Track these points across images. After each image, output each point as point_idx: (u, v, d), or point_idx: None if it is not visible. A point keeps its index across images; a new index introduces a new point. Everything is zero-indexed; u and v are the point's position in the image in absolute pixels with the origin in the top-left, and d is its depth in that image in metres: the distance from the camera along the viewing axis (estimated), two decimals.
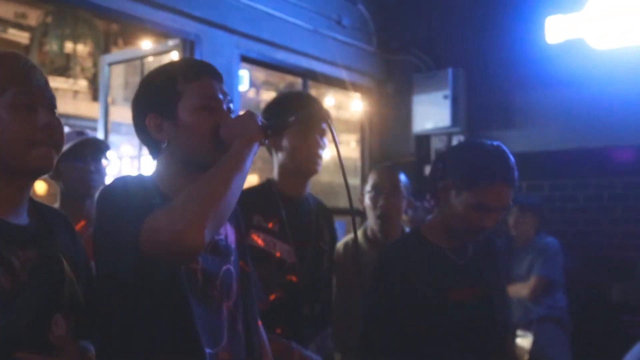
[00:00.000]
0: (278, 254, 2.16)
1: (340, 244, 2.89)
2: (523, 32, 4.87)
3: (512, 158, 1.91)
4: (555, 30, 4.73)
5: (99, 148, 2.60)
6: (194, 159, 1.46)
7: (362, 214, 5.85)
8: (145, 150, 4.61)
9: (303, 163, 2.22)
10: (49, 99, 1.34)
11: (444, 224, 1.96)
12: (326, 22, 5.02)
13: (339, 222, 5.50)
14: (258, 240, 2.15)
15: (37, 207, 1.43)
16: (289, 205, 2.22)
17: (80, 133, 2.60)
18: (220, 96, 1.49)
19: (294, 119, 1.53)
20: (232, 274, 1.55)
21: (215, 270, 1.49)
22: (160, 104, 1.47)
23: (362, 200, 2.96)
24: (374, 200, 2.83)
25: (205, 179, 1.31)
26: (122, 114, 5.57)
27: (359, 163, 5.93)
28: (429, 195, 1.99)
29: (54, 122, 1.32)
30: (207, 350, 1.40)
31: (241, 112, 1.48)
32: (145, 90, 1.52)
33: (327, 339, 2.30)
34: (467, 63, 5.18)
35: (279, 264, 2.16)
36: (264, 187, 2.31)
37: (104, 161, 2.60)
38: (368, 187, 2.89)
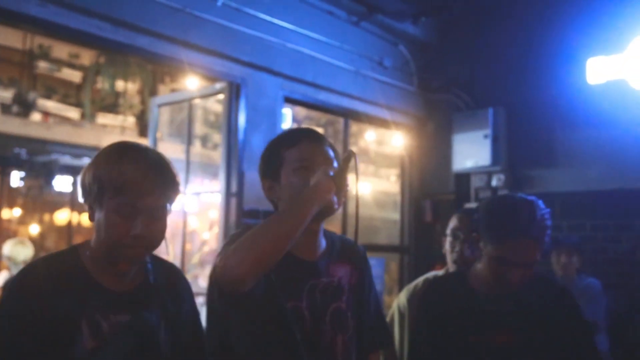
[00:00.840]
0: None
1: (420, 279, 2.94)
2: (564, 73, 4.90)
3: (540, 212, 1.93)
4: (597, 71, 4.74)
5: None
6: None
7: (404, 250, 5.85)
8: (191, 186, 4.73)
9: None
10: (149, 210, 1.46)
11: (482, 271, 2.01)
12: (368, 63, 5.14)
13: (378, 259, 5.53)
14: None
15: (155, 266, 1.60)
16: None
17: None
18: (320, 156, 1.68)
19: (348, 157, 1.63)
20: (344, 310, 1.73)
21: (322, 307, 1.68)
22: (268, 170, 1.72)
23: (442, 242, 2.97)
24: (452, 244, 2.86)
25: (260, 228, 1.51)
26: (167, 149, 5.76)
27: (398, 198, 5.97)
28: (467, 244, 2.04)
29: (145, 233, 1.45)
30: None
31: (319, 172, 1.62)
32: (261, 160, 1.77)
33: None
34: (508, 102, 5.21)
35: None
36: None
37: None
38: (448, 231, 2.92)
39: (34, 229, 8.83)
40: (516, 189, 5.23)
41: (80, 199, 1.50)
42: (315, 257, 1.72)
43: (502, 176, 5.22)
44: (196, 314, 1.66)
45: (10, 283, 1.47)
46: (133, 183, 1.42)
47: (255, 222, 2.68)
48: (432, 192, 5.67)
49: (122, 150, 1.48)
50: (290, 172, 1.67)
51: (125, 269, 1.49)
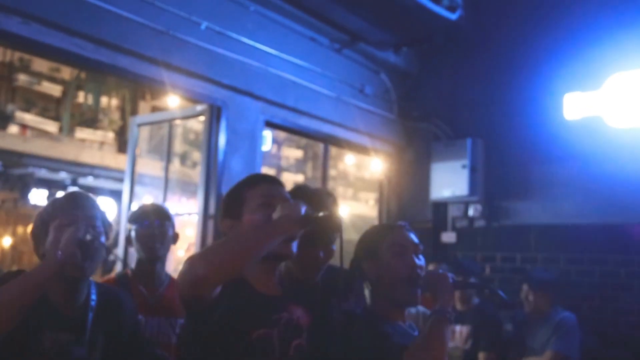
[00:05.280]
0: None
1: None
2: (542, 107, 4.98)
3: None
4: (574, 107, 4.82)
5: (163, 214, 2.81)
6: None
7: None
8: (169, 204, 4.67)
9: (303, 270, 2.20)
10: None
11: None
12: (349, 90, 5.17)
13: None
14: None
15: (99, 290, 1.83)
16: None
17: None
18: (280, 195, 1.79)
19: (326, 214, 1.70)
20: (304, 348, 1.77)
21: (288, 341, 1.74)
22: (230, 209, 1.80)
23: None
24: None
25: (231, 237, 1.65)
26: (145, 165, 5.72)
27: (376, 222, 5.98)
28: None
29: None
30: None
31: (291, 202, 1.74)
32: (222, 202, 1.87)
33: None
34: (487, 134, 5.28)
35: None
36: None
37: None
38: None
39: (7, 241, 8.69)
40: (492, 220, 5.28)
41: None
42: (275, 293, 1.78)
43: (479, 206, 5.27)
44: (136, 327, 1.91)
45: None
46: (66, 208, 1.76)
47: None
48: (409, 219, 5.67)
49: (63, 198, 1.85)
50: (253, 209, 1.75)
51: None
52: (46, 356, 1.61)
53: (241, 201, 1.78)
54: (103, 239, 1.79)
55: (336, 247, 1.97)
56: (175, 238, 2.87)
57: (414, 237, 2.06)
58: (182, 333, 1.75)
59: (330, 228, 1.76)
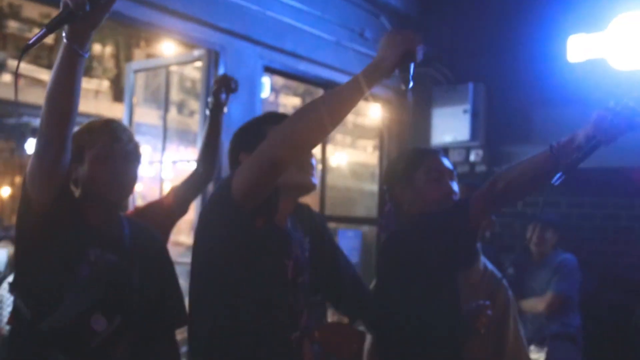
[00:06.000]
0: None
1: None
2: (545, 50, 4.89)
3: None
4: (578, 49, 4.74)
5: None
6: None
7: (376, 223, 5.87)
8: (167, 154, 4.64)
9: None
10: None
11: None
12: (349, 34, 5.06)
13: (355, 231, 5.55)
14: None
15: (129, 221, 1.87)
16: None
17: None
18: None
19: None
20: (307, 284, 1.81)
21: (297, 274, 1.78)
22: (249, 144, 1.76)
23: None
24: None
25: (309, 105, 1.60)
26: (143, 114, 5.65)
27: (376, 169, 5.97)
28: None
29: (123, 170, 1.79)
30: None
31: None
32: (240, 135, 1.87)
33: None
34: (488, 78, 5.21)
35: None
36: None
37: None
38: None
39: (6, 191, 8.69)
40: (494, 165, 5.26)
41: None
42: (286, 227, 1.79)
43: (480, 151, 5.24)
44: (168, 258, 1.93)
45: None
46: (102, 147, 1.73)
47: None
48: None
49: (99, 124, 1.81)
50: None
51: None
52: (92, 271, 1.65)
53: (262, 135, 1.69)
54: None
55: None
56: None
57: (448, 163, 2.05)
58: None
59: None
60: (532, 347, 4.27)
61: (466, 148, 5.35)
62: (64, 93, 1.43)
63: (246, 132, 1.84)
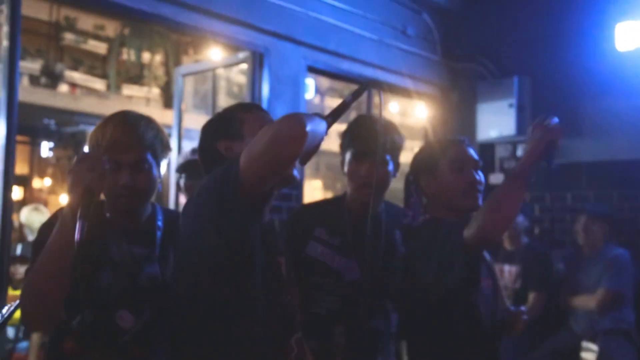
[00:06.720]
0: (336, 267, 2.25)
1: None
2: (592, 39, 4.79)
3: None
4: (626, 37, 4.63)
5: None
6: None
7: None
8: None
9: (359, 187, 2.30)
10: (133, 164, 1.70)
11: None
12: (391, 32, 5.09)
13: None
14: (316, 251, 2.28)
15: (165, 213, 1.85)
16: (358, 222, 2.27)
17: (195, 151, 2.93)
18: None
19: (350, 99, 1.69)
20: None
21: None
22: (227, 131, 1.70)
23: None
24: None
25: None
26: (191, 120, 5.80)
27: None
28: None
29: (130, 183, 1.67)
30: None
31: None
32: (214, 123, 1.77)
33: (391, 355, 2.33)
34: (534, 71, 5.13)
35: (336, 277, 2.25)
36: (336, 201, 2.43)
37: None
38: None
39: (64, 198, 8.98)
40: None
41: None
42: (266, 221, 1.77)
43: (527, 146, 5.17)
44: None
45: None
46: (114, 141, 1.67)
47: None
48: None
49: (108, 117, 1.76)
50: (255, 130, 1.58)
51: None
52: (121, 266, 1.65)
53: (239, 122, 1.69)
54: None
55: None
56: None
57: (473, 153, 2.05)
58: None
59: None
60: (583, 343, 4.20)
61: (513, 143, 5.29)
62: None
63: (223, 120, 1.74)
